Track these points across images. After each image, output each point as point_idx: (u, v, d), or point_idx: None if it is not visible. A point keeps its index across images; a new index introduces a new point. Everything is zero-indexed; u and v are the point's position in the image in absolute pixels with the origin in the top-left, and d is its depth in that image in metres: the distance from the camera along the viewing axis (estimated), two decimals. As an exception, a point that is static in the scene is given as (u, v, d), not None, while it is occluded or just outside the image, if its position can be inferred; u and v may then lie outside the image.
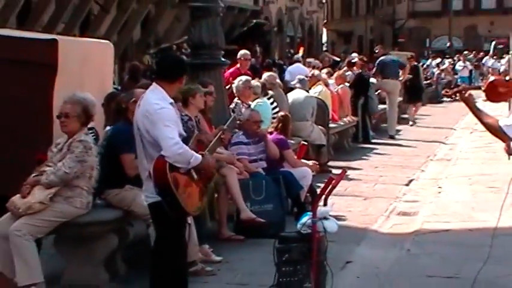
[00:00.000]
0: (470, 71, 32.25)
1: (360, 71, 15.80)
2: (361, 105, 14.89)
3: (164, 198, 4.60)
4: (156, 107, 4.66)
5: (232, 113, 8.11)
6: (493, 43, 33.95)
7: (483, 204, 8.45)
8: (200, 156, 4.73)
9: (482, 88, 4.55)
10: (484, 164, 11.67)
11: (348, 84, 14.43)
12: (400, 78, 16.74)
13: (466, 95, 4.44)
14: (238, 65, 11.33)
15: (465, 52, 36.77)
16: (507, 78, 4.66)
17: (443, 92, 18.65)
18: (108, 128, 6.19)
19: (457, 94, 4.47)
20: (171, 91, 4.83)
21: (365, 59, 18.24)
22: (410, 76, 18.39)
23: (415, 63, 21.03)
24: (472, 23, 49.24)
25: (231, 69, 11.10)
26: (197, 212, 4.96)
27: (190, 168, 4.67)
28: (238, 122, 5.90)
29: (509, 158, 4.34)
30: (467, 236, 7.30)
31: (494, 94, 4.49)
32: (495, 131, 4.32)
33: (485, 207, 8.14)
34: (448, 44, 43.68)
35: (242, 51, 11.69)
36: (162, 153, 4.58)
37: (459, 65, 31.96)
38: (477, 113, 4.40)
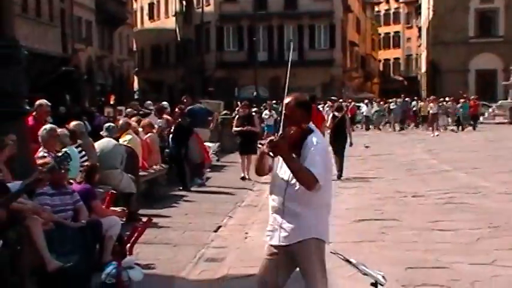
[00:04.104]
0: (276, 120, 33.60)
1: (180, 120, 15.79)
2: (182, 154, 14.99)
3: None
4: None
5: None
6: None
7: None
8: None
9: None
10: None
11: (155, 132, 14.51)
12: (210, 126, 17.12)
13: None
14: (34, 114, 10.90)
15: (273, 102, 38.38)
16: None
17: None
18: None
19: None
20: None
21: (183, 107, 17.90)
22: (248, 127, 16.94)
23: (251, 111, 19.21)
24: (276, 74, 51.60)
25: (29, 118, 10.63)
26: None
27: None
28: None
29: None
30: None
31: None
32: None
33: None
34: (254, 93, 45.36)
35: (40, 101, 11.28)
36: None
37: (265, 114, 33.26)
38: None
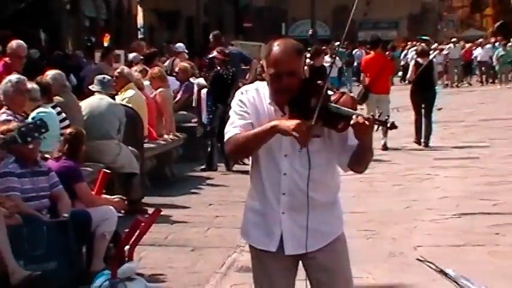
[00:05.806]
0: (341, 69, 33.40)
1: (218, 68, 15.59)
2: (218, 116, 14.87)
3: None
4: None
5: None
6: None
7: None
8: None
9: None
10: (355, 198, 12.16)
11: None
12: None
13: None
14: (7, 60, 11.08)
15: (337, 43, 38.11)
16: None
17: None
18: None
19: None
20: None
21: (226, 51, 17.53)
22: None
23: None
24: (342, 3, 51.25)
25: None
26: None
27: None
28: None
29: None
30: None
31: None
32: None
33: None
34: (310, 31, 45.05)
35: (15, 42, 11.48)
36: None
37: (326, 62, 33.07)
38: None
